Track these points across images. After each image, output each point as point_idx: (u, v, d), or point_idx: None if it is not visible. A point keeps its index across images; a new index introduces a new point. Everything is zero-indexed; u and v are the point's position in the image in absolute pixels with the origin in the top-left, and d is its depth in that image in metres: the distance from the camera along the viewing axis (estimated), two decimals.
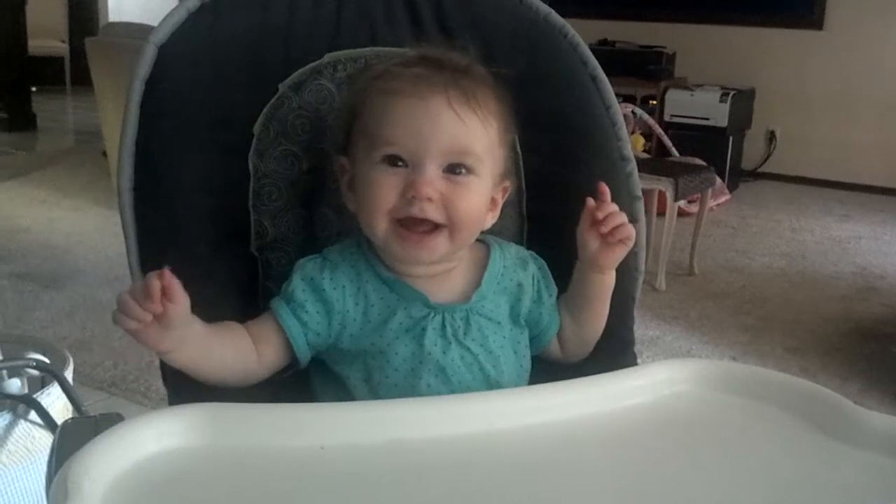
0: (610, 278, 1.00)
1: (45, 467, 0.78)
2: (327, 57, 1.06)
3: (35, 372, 1.58)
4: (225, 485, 0.72)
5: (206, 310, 0.87)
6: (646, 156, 4.78)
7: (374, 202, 0.90)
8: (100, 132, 4.91)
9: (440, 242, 0.91)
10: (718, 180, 4.39)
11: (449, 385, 0.92)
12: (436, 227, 0.91)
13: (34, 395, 1.51)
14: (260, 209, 1.03)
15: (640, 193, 1.15)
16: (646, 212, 1.22)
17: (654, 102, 5.33)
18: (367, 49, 1.08)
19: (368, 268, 0.95)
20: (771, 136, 5.67)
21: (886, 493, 0.77)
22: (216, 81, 1.02)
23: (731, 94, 5.20)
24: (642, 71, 5.35)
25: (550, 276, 1.03)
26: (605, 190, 0.95)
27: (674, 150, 4.93)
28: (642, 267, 1.15)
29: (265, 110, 1.03)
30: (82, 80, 6.60)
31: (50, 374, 1.56)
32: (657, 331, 2.99)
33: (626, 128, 1.16)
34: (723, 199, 4.85)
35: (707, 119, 5.19)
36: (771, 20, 5.51)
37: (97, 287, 3.14)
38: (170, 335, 0.82)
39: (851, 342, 2.98)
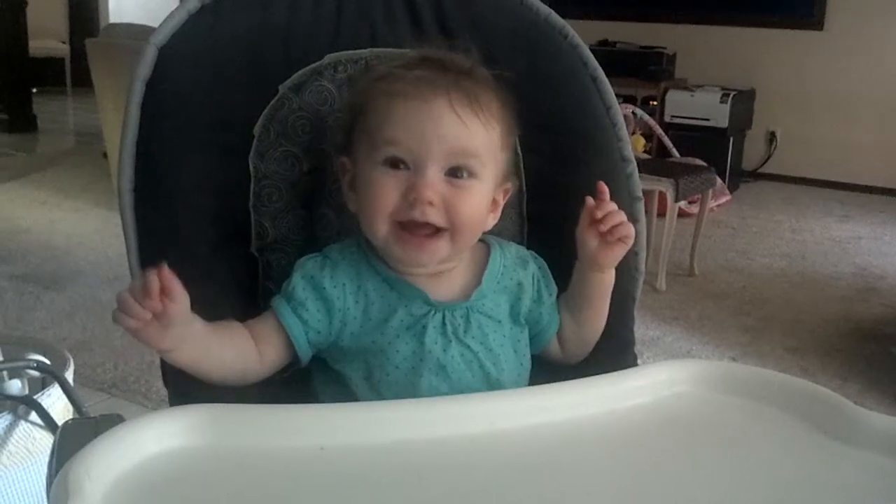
0: (609, 277, 1.00)
1: (45, 468, 0.78)
2: (327, 58, 1.07)
3: (35, 373, 1.58)
4: (225, 485, 0.72)
5: (207, 310, 0.87)
6: (646, 156, 4.78)
7: (375, 204, 0.91)
8: (100, 133, 4.92)
9: (441, 246, 0.92)
10: (719, 181, 4.39)
11: (449, 382, 0.92)
12: (437, 230, 0.91)
13: (35, 396, 1.51)
14: (260, 210, 1.03)
15: (640, 194, 1.15)
16: (646, 212, 1.22)
17: (655, 103, 5.33)
18: (368, 50, 1.08)
19: (369, 266, 0.95)
20: (771, 137, 5.67)
21: (886, 493, 0.77)
22: (216, 82, 1.02)
23: (731, 95, 5.20)
24: (643, 72, 5.35)
25: (550, 275, 1.03)
26: (604, 189, 0.95)
27: (674, 151, 4.93)
28: (642, 267, 1.15)
29: (265, 111, 1.03)
30: (83, 81, 6.61)
31: (50, 375, 1.56)
32: (657, 331, 2.99)
33: (626, 128, 1.16)
34: (723, 199, 4.85)
35: (707, 120, 5.19)
36: (771, 21, 5.51)
37: (98, 288, 3.14)
38: (170, 333, 0.82)
39: (851, 343, 2.98)
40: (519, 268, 1.01)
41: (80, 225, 4.04)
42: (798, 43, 5.47)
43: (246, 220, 1.03)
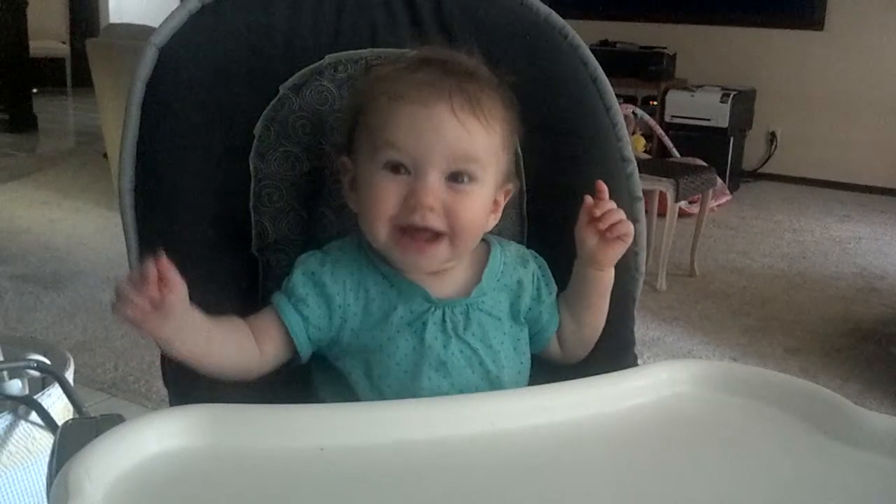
0: (609, 276, 1.00)
1: (45, 468, 0.78)
2: (328, 58, 1.07)
3: (36, 373, 1.59)
4: (226, 486, 0.72)
5: (207, 310, 0.87)
6: (646, 156, 4.78)
7: (375, 209, 0.91)
8: (100, 133, 4.92)
9: (441, 250, 0.92)
10: (719, 181, 4.39)
11: (450, 379, 0.92)
12: (437, 234, 0.91)
13: (35, 397, 1.51)
14: (260, 210, 1.03)
15: (640, 194, 1.15)
16: (646, 212, 1.22)
17: (655, 103, 5.34)
18: (368, 50, 1.08)
19: (369, 263, 0.95)
20: (771, 137, 5.67)
21: (887, 493, 0.77)
22: (217, 83, 1.02)
23: (731, 95, 5.20)
24: (643, 72, 5.35)
25: (550, 274, 1.03)
26: (603, 188, 0.96)
27: (674, 151, 4.93)
28: (643, 268, 1.15)
29: (266, 112, 1.03)
30: (83, 81, 6.62)
31: (51, 376, 1.56)
32: (658, 331, 2.99)
33: (626, 128, 1.16)
34: (723, 199, 4.85)
35: (708, 120, 5.19)
36: (772, 21, 5.51)
37: (98, 288, 3.14)
38: (169, 323, 0.82)
39: (852, 343, 2.98)
40: (519, 266, 1.01)
41: (80, 225, 4.04)
42: (798, 43, 5.47)
43: (246, 220, 1.03)
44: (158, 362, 0.99)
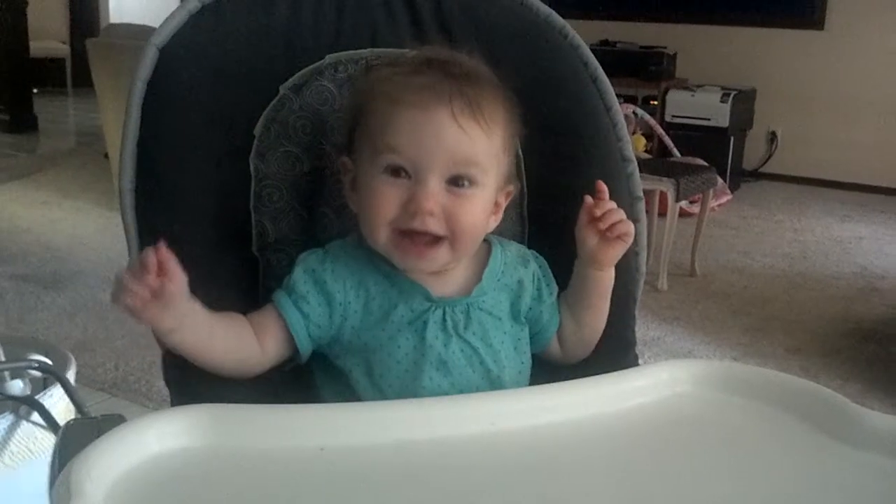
0: (609, 276, 1.00)
1: (47, 469, 0.78)
2: (328, 58, 1.07)
3: (37, 373, 1.58)
4: (226, 486, 0.72)
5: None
6: (647, 156, 4.78)
7: (375, 212, 0.91)
8: (101, 133, 4.93)
9: (441, 253, 0.92)
10: (720, 181, 4.39)
11: (450, 378, 0.93)
12: (437, 238, 0.91)
13: (36, 397, 1.51)
14: (261, 210, 1.03)
15: (641, 194, 1.15)
16: (647, 212, 1.22)
17: (655, 103, 5.34)
18: (368, 50, 1.08)
19: (369, 261, 0.95)
20: (772, 137, 5.67)
21: (888, 493, 0.77)
22: (217, 83, 1.02)
23: (732, 95, 5.20)
24: (643, 71, 5.35)
25: (551, 274, 1.03)
26: (603, 188, 0.96)
27: (675, 151, 4.93)
28: (643, 268, 1.15)
29: (266, 112, 1.03)
30: (83, 81, 6.61)
31: (52, 376, 1.56)
32: (658, 331, 2.99)
33: (627, 128, 1.16)
34: (724, 199, 4.85)
35: (708, 119, 5.19)
36: (772, 20, 5.51)
37: (99, 288, 3.14)
38: (169, 314, 0.82)
39: (853, 343, 2.98)
40: (520, 266, 1.01)
41: (80, 225, 4.04)
42: (799, 42, 5.47)
43: (246, 220, 1.03)
44: (159, 362, 0.99)
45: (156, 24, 1.06)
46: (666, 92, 5.33)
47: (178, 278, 0.81)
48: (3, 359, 1.57)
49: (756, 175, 5.66)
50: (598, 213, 0.95)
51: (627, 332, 1.13)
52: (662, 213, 3.51)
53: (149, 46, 1.01)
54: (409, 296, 0.94)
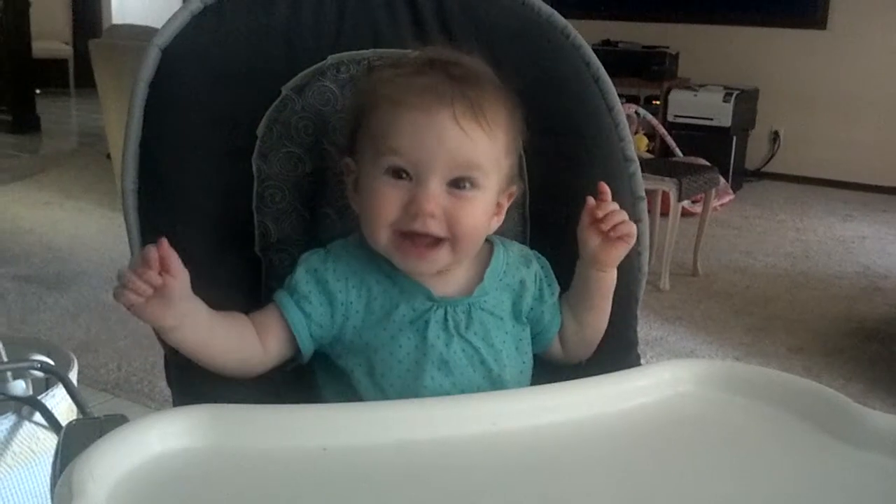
0: (611, 276, 1.00)
1: (49, 469, 0.78)
2: (330, 59, 1.07)
3: (39, 374, 1.59)
4: (228, 486, 0.72)
5: None
6: (649, 156, 4.78)
7: (376, 214, 0.91)
8: (103, 134, 4.93)
9: (442, 255, 0.92)
10: (722, 180, 4.38)
11: (452, 378, 0.93)
12: (438, 240, 0.91)
13: (38, 397, 1.51)
14: (263, 211, 1.03)
15: (643, 194, 1.15)
16: (649, 212, 1.22)
17: (658, 103, 5.34)
18: (370, 51, 1.08)
19: (371, 261, 0.95)
20: (774, 136, 5.67)
21: (890, 493, 0.77)
22: (219, 84, 1.02)
23: (734, 94, 5.20)
24: (645, 71, 5.35)
25: (553, 275, 1.03)
26: (605, 189, 0.96)
27: (677, 151, 4.93)
28: (645, 268, 1.14)
29: (268, 112, 1.03)
30: (86, 82, 6.62)
31: (54, 376, 1.56)
32: (661, 331, 2.99)
33: (629, 128, 1.16)
34: (726, 199, 4.85)
35: (710, 119, 5.19)
36: (774, 20, 5.51)
37: (101, 289, 3.14)
38: (171, 311, 0.82)
39: (855, 342, 2.98)
40: (522, 266, 1.01)
41: (83, 226, 4.05)
42: (801, 42, 5.46)
43: (249, 220, 1.03)
44: (161, 363, 0.99)
45: (158, 24, 1.06)
46: (668, 92, 5.33)
47: (180, 274, 0.81)
48: (5, 359, 1.57)
49: (758, 175, 5.65)
50: (601, 214, 0.95)
51: (629, 331, 1.13)
52: (665, 213, 3.51)
53: (151, 47, 1.01)
54: (410, 295, 0.94)
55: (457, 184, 0.91)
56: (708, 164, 4.14)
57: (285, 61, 1.05)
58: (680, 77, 5.54)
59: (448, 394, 0.91)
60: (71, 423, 0.84)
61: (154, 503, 0.69)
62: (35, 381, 1.61)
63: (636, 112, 4.77)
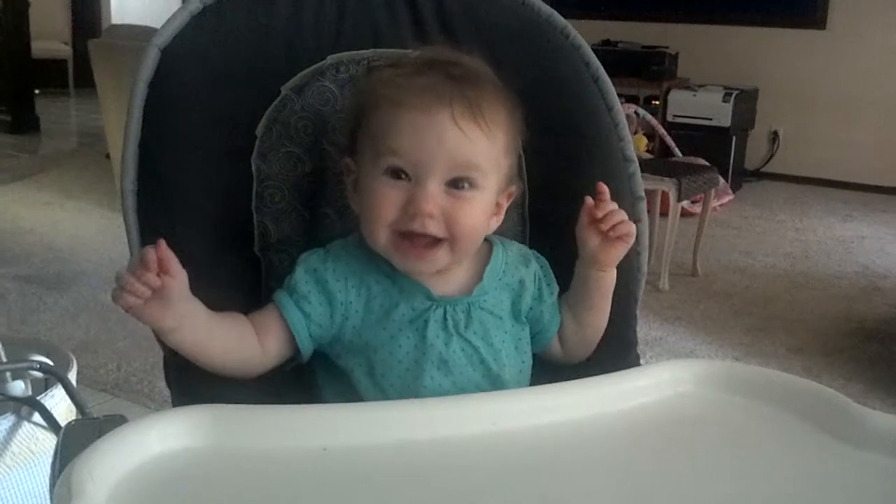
0: (610, 276, 1.00)
1: (48, 469, 0.78)
2: (330, 58, 1.07)
3: (39, 374, 1.58)
4: (228, 486, 0.72)
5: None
6: (649, 156, 4.78)
7: (375, 214, 0.91)
8: (103, 134, 4.93)
9: (441, 255, 0.92)
10: (721, 180, 4.39)
11: (451, 378, 0.93)
12: (436, 240, 0.91)
13: (38, 398, 1.51)
14: (263, 211, 1.03)
15: (642, 194, 1.15)
16: (648, 212, 1.22)
17: (657, 103, 5.34)
18: (370, 51, 1.08)
19: (370, 260, 0.95)
20: (774, 136, 5.67)
21: (890, 493, 0.77)
22: (219, 84, 1.02)
23: (734, 95, 5.20)
24: (645, 71, 5.35)
25: (552, 274, 1.03)
26: (604, 189, 0.96)
27: (677, 151, 4.93)
28: (645, 268, 1.14)
29: (268, 112, 1.03)
30: (85, 82, 6.63)
31: (54, 376, 1.56)
32: (660, 331, 2.99)
33: (628, 128, 1.16)
34: (726, 199, 4.85)
35: (710, 119, 5.19)
36: (774, 20, 5.51)
37: (101, 289, 3.14)
38: (170, 312, 0.82)
39: (855, 342, 2.98)
40: (521, 265, 1.01)
41: (83, 226, 4.05)
42: (801, 42, 5.46)
43: (248, 220, 1.03)
44: (161, 363, 0.99)
45: (157, 24, 1.06)
46: (668, 92, 5.33)
47: (179, 275, 0.81)
48: (4, 359, 1.57)
49: (758, 175, 5.65)
50: (600, 214, 0.95)
51: (629, 331, 1.13)
52: (664, 213, 3.51)
53: (150, 47, 1.01)
54: (410, 295, 0.94)
55: (455, 184, 0.91)
56: (707, 164, 4.14)
57: (285, 61, 1.05)
58: (679, 77, 5.54)
59: (448, 393, 0.91)
60: (70, 423, 0.84)
61: (154, 503, 0.69)
62: (34, 381, 1.61)
63: (636, 112, 4.77)
